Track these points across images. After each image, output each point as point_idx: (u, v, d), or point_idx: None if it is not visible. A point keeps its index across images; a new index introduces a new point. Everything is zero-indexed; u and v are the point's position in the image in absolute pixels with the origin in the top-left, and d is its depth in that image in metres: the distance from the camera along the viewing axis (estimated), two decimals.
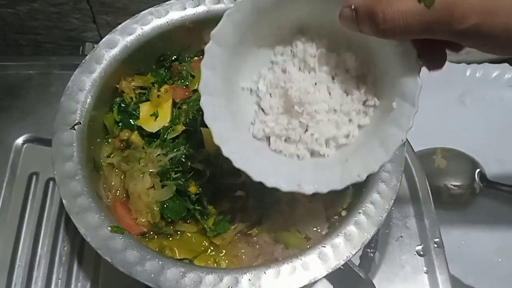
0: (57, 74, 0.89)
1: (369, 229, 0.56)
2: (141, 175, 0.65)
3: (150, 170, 0.65)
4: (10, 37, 0.96)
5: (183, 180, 0.65)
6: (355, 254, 0.55)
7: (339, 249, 0.55)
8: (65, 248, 0.74)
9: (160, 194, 0.64)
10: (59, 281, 0.72)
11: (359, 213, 0.57)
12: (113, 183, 0.65)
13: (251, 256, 0.62)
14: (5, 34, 0.96)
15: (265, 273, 0.53)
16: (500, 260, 0.90)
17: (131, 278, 0.69)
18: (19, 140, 0.82)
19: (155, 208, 0.63)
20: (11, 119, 0.84)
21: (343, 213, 0.64)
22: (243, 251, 0.63)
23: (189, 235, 0.64)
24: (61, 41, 0.98)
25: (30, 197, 0.78)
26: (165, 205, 0.63)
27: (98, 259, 0.73)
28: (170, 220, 0.63)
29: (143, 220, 0.63)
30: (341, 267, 0.69)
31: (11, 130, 0.83)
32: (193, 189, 0.65)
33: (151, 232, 0.64)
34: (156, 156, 0.66)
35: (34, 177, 0.80)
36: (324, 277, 0.71)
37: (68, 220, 0.76)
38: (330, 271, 0.54)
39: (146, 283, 0.53)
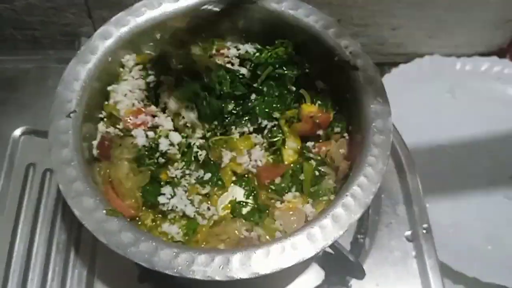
0: (54, 67, 0.91)
1: (356, 210, 0.57)
2: (119, 162, 0.66)
3: (126, 156, 0.66)
4: (7, 32, 0.98)
5: (154, 167, 0.67)
6: (342, 234, 0.56)
7: (327, 229, 0.56)
8: (62, 236, 0.76)
9: (139, 180, 0.65)
10: (56, 268, 0.73)
11: (346, 195, 0.58)
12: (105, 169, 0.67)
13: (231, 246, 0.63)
14: (2, 30, 0.97)
15: (255, 253, 0.54)
16: (489, 247, 0.91)
17: (126, 265, 0.70)
18: (17, 132, 0.84)
19: (137, 193, 0.65)
20: (9, 111, 0.86)
21: (332, 197, 0.65)
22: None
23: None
24: (58, 36, 0.99)
25: (28, 187, 0.80)
26: (146, 189, 0.65)
27: (94, 247, 0.74)
28: (150, 203, 0.65)
29: (128, 203, 0.64)
30: (332, 251, 0.71)
31: (9, 122, 0.85)
32: (163, 176, 0.67)
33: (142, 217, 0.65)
34: (131, 143, 0.67)
35: (32, 167, 0.82)
36: (315, 260, 0.73)
37: (64, 209, 0.77)
38: (319, 250, 0.55)
39: (141, 263, 0.54)
